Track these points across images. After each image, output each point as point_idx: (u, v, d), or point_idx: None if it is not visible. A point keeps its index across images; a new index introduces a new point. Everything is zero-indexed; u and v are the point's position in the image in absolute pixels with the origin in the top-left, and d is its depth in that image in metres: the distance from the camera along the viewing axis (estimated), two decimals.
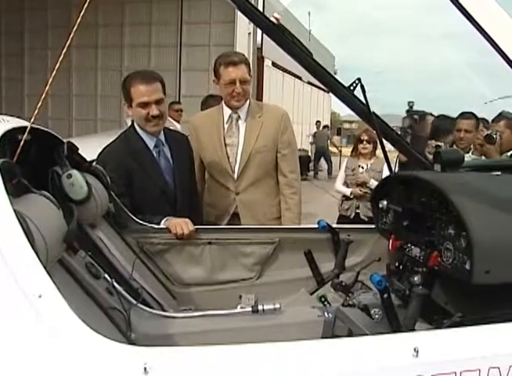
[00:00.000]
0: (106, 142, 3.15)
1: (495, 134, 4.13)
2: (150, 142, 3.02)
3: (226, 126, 3.46)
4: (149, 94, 2.88)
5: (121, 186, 2.81)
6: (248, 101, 3.46)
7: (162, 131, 3.07)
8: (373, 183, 5.46)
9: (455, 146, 4.73)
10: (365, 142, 5.68)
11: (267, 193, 3.48)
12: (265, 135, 3.41)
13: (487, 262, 1.81)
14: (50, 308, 1.30)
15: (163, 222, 2.79)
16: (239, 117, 3.45)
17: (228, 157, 3.41)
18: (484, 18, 1.65)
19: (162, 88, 2.96)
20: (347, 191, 5.76)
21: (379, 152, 5.70)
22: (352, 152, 6.03)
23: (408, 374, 1.49)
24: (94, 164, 2.54)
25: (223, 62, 3.35)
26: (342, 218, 5.64)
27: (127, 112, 3.06)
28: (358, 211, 5.60)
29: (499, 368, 1.53)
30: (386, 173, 5.42)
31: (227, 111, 3.47)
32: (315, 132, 20.94)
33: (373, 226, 2.74)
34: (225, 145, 3.42)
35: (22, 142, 1.66)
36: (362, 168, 5.71)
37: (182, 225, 2.72)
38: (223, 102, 3.50)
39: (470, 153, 4.61)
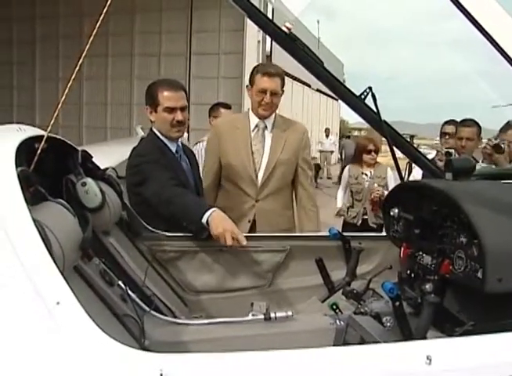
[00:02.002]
0: (118, 150, 3.20)
1: (503, 143, 4.14)
2: (173, 147, 3.10)
3: (253, 134, 3.52)
4: (176, 100, 2.99)
5: (166, 173, 2.85)
6: (274, 113, 3.55)
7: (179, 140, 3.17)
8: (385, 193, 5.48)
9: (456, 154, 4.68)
10: (373, 152, 5.68)
11: (284, 203, 3.57)
12: (288, 149, 3.50)
13: (499, 270, 1.80)
14: (68, 314, 1.32)
15: (207, 215, 2.57)
16: (265, 126, 3.53)
17: (254, 164, 3.46)
18: (491, 24, 1.66)
19: (186, 97, 3.07)
20: (340, 202, 5.92)
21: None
22: (353, 160, 6.03)
23: None
24: (108, 171, 2.57)
25: (260, 70, 3.45)
26: (347, 226, 5.65)
27: (149, 117, 3.11)
28: (365, 217, 5.62)
29: None
30: (389, 179, 5.62)
31: (254, 119, 3.54)
32: (342, 143, 21.06)
33: (384, 234, 2.74)
34: (252, 152, 3.47)
35: (39, 151, 1.69)
36: (366, 175, 5.71)
37: (228, 236, 2.48)
38: (250, 109, 3.58)
39: (480, 162, 4.61)
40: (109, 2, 1.68)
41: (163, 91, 2.99)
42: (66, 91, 1.75)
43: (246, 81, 3.63)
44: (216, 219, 2.55)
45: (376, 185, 5.54)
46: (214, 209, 2.60)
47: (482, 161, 4.65)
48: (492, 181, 2.47)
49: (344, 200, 5.94)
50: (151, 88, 3.08)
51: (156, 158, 2.91)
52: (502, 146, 4.15)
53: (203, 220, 2.56)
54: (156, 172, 2.81)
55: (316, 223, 3.59)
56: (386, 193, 5.33)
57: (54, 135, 2.14)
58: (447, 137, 4.92)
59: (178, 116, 2.99)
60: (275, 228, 3.40)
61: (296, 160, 3.53)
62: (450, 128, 4.93)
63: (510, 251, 1.82)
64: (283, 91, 3.50)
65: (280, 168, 3.47)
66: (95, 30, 1.69)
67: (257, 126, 3.53)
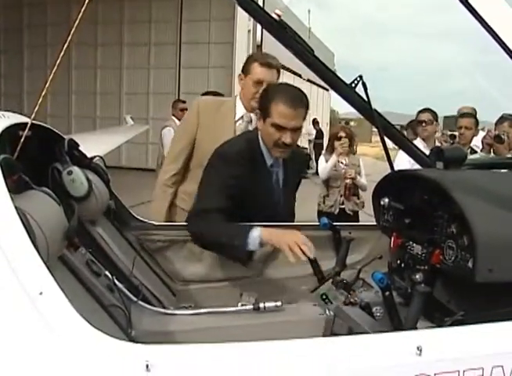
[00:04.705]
0: (106, 139, 3.13)
1: (503, 134, 4.56)
2: (269, 160, 2.73)
3: (237, 125, 3.36)
4: (290, 119, 2.54)
5: (223, 200, 2.56)
6: None
7: None
8: (359, 179, 5.84)
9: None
10: (342, 139, 5.84)
11: None
12: None
13: (490, 260, 1.80)
14: (51, 305, 1.29)
15: (257, 234, 2.38)
16: (250, 120, 3.36)
17: None
18: (490, 14, 1.64)
19: (305, 114, 2.64)
20: (333, 160, 5.80)
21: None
22: (327, 149, 6.17)
23: (411, 372, 1.48)
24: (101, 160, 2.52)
25: (259, 60, 3.25)
26: (323, 215, 5.67)
27: (257, 121, 2.74)
28: (342, 206, 5.81)
29: (502, 367, 1.52)
30: (362, 168, 5.93)
31: (240, 109, 3.37)
32: None
33: (374, 224, 2.73)
34: None
35: (22, 139, 1.65)
36: (342, 163, 5.87)
37: (301, 254, 2.29)
38: (238, 98, 3.40)
39: (479, 151, 5.10)
40: None
41: (278, 103, 2.54)
42: (51, 77, 1.71)
43: (237, 71, 3.56)
44: (276, 232, 2.37)
45: (349, 170, 5.78)
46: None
47: (481, 150, 5.14)
48: (482, 170, 2.46)
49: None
50: (268, 93, 2.66)
51: (241, 172, 2.59)
52: (503, 136, 4.54)
53: (255, 233, 2.36)
54: (222, 187, 2.56)
55: None
56: (359, 177, 5.81)
57: (39, 123, 2.11)
58: (424, 125, 5.14)
59: (287, 138, 2.55)
60: None
61: None
62: (425, 116, 5.18)
63: (501, 240, 1.82)
64: None
65: None
66: (80, 14, 1.65)
67: (242, 117, 3.37)
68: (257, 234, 2.37)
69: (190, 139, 3.38)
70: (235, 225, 2.50)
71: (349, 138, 5.88)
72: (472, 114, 5.41)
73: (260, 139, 2.70)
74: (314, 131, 21.36)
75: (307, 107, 2.63)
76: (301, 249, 2.26)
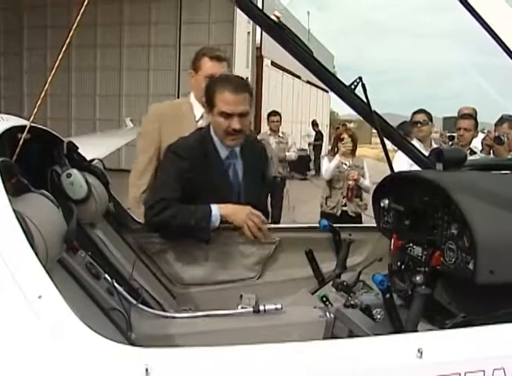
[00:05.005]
0: (106, 142, 3.12)
1: (503, 135, 4.59)
2: (223, 152, 2.74)
3: (199, 124, 3.22)
4: (235, 104, 2.59)
5: (179, 190, 2.64)
6: None
7: None
8: (363, 181, 5.82)
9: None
10: (345, 139, 5.87)
11: None
12: None
13: (491, 261, 1.80)
14: (50, 308, 1.28)
15: (216, 212, 2.60)
16: None
17: None
18: (490, 14, 1.63)
19: (250, 100, 2.69)
20: (336, 160, 5.85)
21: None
22: (331, 150, 6.27)
23: (412, 374, 1.48)
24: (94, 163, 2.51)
25: (208, 54, 3.20)
26: (326, 217, 5.64)
27: (208, 116, 2.80)
28: (345, 208, 5.81)
29: (503, 369, 1.51)
30: (366, 170, 5.91)
31: (198, 109, 3.25)
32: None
33: (374, 226, 2.72)
34: None
35: (21, 141, 1.65)
36: (345, 164, 5.90)
37: (255, 227, 2.62)
38: (192, 96, 3.32)
39: (479, 152, 5.13)
40: None
41: (221, 91, 2.60)
42: (50, 79, 1.70)
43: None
44: (231, 208, 2.63)
45: (352, 171, 5.79)
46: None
47: (481, 152, 5.20)
48: (482, 172, 2.46)
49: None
50: (210, 85, 2.70)
51: (194, 169, 2.63)
52: (502, 138, 4.57)
53: (214, 212, 2.59)
54: (172, 179, 2.65)
55: None
56: (362, 179, 5.79)
57: (38, 126, 2.10)
58: (419, 125, 5.16)
59: (235, 124, 2.59)
60: None
61: None
62: (420, 117, 5.21)
63: (502, 242, 1.82)
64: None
65: None
66: (79, 16, 1.64)
67: (202, 116, 3.24)
68: (216, 212, 2.60)
69: (155, 147, 3.26)
70: (196, 208, 2.63)
71: (352, 139, 5.91)
72: (472, 116, 5.38)
73: (212, 132, 2.73)
74: (313, 133, 21.37)
75: (250, 93, 2.70)
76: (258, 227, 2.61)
